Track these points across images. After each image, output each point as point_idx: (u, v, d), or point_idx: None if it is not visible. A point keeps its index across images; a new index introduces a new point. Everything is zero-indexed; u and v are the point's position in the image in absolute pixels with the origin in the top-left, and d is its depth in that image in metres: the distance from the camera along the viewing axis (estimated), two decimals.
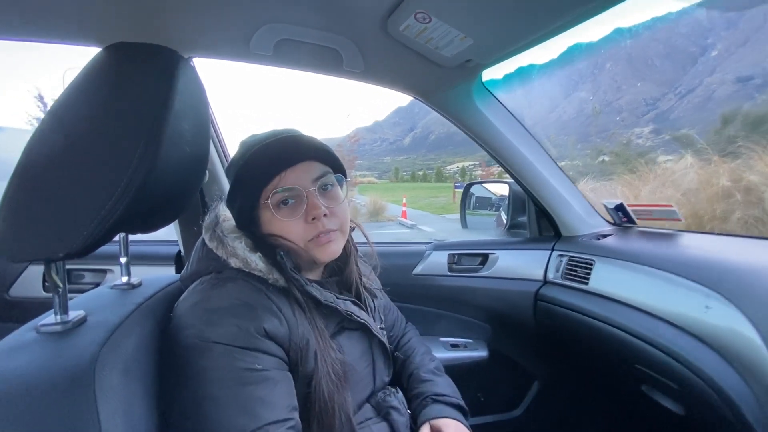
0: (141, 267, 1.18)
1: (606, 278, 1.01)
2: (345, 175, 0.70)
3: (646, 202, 2.75)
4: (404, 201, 15.34)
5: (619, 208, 1.20)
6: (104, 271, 1.27)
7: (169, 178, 0.51)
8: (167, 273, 1.11)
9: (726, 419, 0.68)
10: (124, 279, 0.66)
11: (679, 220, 1.10)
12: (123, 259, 0.66)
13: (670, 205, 1.11)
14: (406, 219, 12.71)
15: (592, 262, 1.05)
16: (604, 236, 1.16)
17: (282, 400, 0.54)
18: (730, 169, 3.91)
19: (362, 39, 0.82)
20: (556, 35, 0.75)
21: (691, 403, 0.80)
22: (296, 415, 0.56)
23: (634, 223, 1.20)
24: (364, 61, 0.88)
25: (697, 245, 0.97)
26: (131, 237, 0.65)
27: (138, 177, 0.43)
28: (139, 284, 0.67)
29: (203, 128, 0.61)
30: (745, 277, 0.74)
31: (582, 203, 1.25)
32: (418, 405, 0.76)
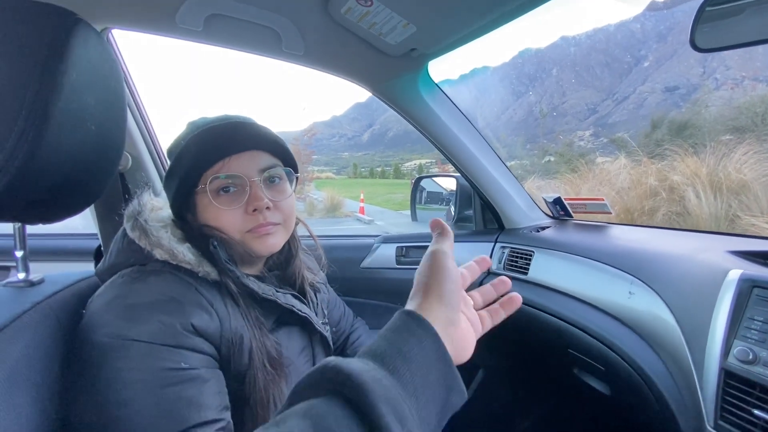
0: (56, 264, 1.05)
1: (544, 268, 1.05)
2: (296, 170, 0.67)
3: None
4: (362, 197, 15.31)
5: (557, 201, 1.25)
6: (7, 269, 1.13)
7: (67, 159, 0.45)
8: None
9: (646, 397, 0.72)
10: (21, 275, 0.57)
11: (609, 213, 1.17)
12: (18, 253, 0.58)
13: (602, 199, 1.18)
14: (363, 215, 12.70)
15: (532, 253, 1.09)
16: (543, 228, 1.21)
17: (212, 399, 0.50)
18: (657, 169, 4.32)
19: (302, 20, 0.78)
20: (498, 27, 0.76)
21: (616, 384, 0.85)
22: (228, 415, 0.52)
23: (570, 216, 1.26)
24: (305, 44, 0.84)
25: (624, 236, 1.04)
26: (38, 229, 0.57)
27: (18, 155, 0.37)
28: (41, 281, 0.59)
29: (116, 105, 0.55)
30: (664, 264, 0.80)
31: (524, 197, 1.29)
32: None
